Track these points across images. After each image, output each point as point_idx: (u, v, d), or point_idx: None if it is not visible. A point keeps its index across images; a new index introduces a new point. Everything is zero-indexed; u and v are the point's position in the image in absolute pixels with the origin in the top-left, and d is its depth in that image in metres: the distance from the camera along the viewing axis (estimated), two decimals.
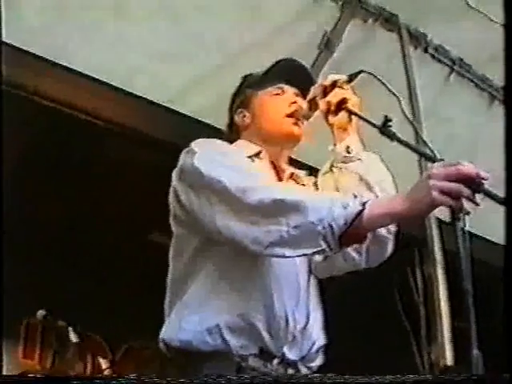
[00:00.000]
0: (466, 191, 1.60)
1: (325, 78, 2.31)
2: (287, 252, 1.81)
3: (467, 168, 1.62)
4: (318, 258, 2.22)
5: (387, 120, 1.98)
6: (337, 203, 1.75)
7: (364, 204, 1.72)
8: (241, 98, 2.44)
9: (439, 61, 5.04)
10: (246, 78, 2.50)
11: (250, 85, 2.45)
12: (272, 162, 2.30)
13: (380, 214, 1.73)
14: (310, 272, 2.21)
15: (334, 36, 4.52)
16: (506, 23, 1.99)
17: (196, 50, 3.96)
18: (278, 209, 1.81)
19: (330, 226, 1.72)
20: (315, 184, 2.36)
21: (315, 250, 1.78)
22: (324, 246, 1.75)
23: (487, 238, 4.94)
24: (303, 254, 1.85)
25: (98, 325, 6.01)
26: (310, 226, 1.75)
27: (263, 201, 1.83)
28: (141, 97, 3.95)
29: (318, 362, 2.19)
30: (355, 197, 1.80)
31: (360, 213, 1.71)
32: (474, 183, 1.60)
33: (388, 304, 5.51)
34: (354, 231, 1.73)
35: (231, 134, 2.41)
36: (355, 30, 4.62)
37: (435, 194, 1.62)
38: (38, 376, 1.70)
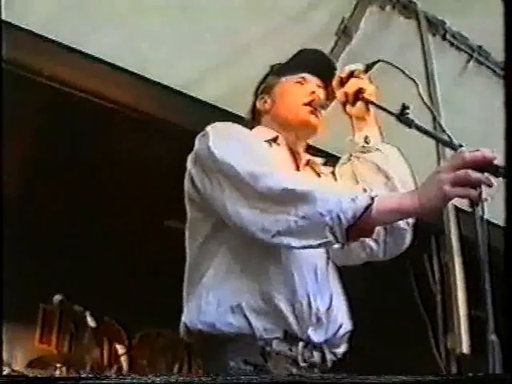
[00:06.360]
0: (475, 176, 1.61)
1: (342, 69, 2.33)
2: (293, 242, 1.83)
3: (472, 154, 1.64)
4: None
5: (405, 107, 1.98)
6: (345, 195, 1.77)
7: (373, 198, 1.73)
8: (264, 84, 2.46)
9: (458, 48, 5.01)
10: (272, 66, 2.51)
11: (274, 72, 2.47)
12: (290, 149, 2.31)
13: (389, 210, 1.75)
14: (328, 257, 2.20)
15: (352, 23, 4.50)
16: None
17: (209, 39, 3.96)
18: (288, 198, 1.82)
19: (338, 218, 1.73)
20: (333, 173, 2.37)
21: (321, 241, 1.79)
22: (330, 237, 1.76)
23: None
24: (309, 245, 1.84)
25: (115, 311, 6.05)
26: (317, 217, 1.76)
27: (273, 189, 1.85)
28: (155, 82, 3.95)
29: (343, 348, 2.18)
30: (365, 191, 1.80)
31: (369, 206, 1.72)
32: (484, 167, 1.60)
33: (404, 292, 5.50)
34: (361, 225, 1.74)
35: (252, 119, 2.43)
36: (373, 17, 4.60)
37: (446, 187, 1.64)
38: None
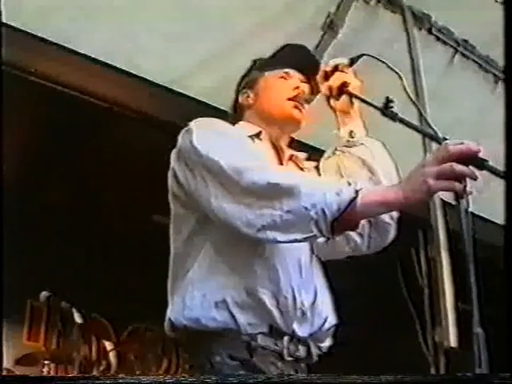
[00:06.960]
0: (459, 169, 1.61)
1: (327, 63, 2.33)
2: (279, 236, 1.83)
3: (456, 147, 1.63)
4: None
5: (389, 101, 1.98)
6: (330, 189, 1.76)
7: (357, 191, 1.73)
8: (247, 79, 2.45)
9: (443, 42, 5.02)
10: (255, 61, 2.51)
11: (258, 67, 2.46)
12: (273, 144, 2.30)
13: (373, 202, 1.74)
14: (312, 251, 2.20)
15: (338, 17, 4.51)
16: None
17: (201, 31, 3.95)
18: (272, 192, 1.82)
19: (323, 212, 1.72)
20: (316, 168, 2.36)
21: (307, 235, 1.79)
22: (315, 231, 1.76)
23: (494, 220, 4.93)
24: (294, 239, 1.84)
25: (103, 307, 6.04)
26: (302, 211, 1.75)
27: (257, 183, 1.85)
28: (145, 78, 3.94)
29: (328, 342, 2.19)
30: (349, 184, 1.80)
31: (353, 200, 1.71)
32: (469, 160, 1.61)
33: (392, 286, 5.51)
34: (346, 218, 1.73)
35: (234, 114, 2.42)
36: (358, 11, 4.60)
37: (431, 180, 1.63)
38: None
